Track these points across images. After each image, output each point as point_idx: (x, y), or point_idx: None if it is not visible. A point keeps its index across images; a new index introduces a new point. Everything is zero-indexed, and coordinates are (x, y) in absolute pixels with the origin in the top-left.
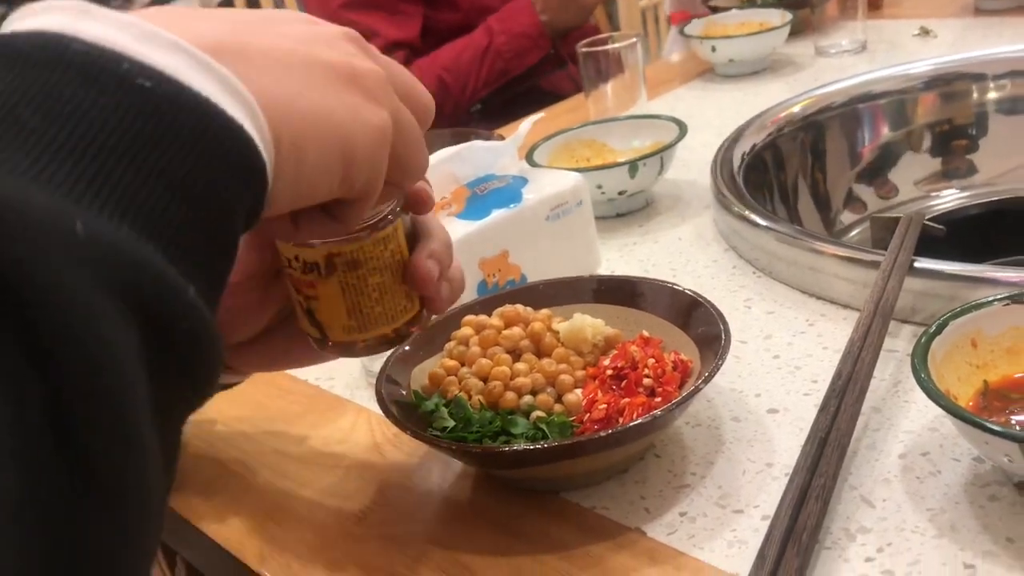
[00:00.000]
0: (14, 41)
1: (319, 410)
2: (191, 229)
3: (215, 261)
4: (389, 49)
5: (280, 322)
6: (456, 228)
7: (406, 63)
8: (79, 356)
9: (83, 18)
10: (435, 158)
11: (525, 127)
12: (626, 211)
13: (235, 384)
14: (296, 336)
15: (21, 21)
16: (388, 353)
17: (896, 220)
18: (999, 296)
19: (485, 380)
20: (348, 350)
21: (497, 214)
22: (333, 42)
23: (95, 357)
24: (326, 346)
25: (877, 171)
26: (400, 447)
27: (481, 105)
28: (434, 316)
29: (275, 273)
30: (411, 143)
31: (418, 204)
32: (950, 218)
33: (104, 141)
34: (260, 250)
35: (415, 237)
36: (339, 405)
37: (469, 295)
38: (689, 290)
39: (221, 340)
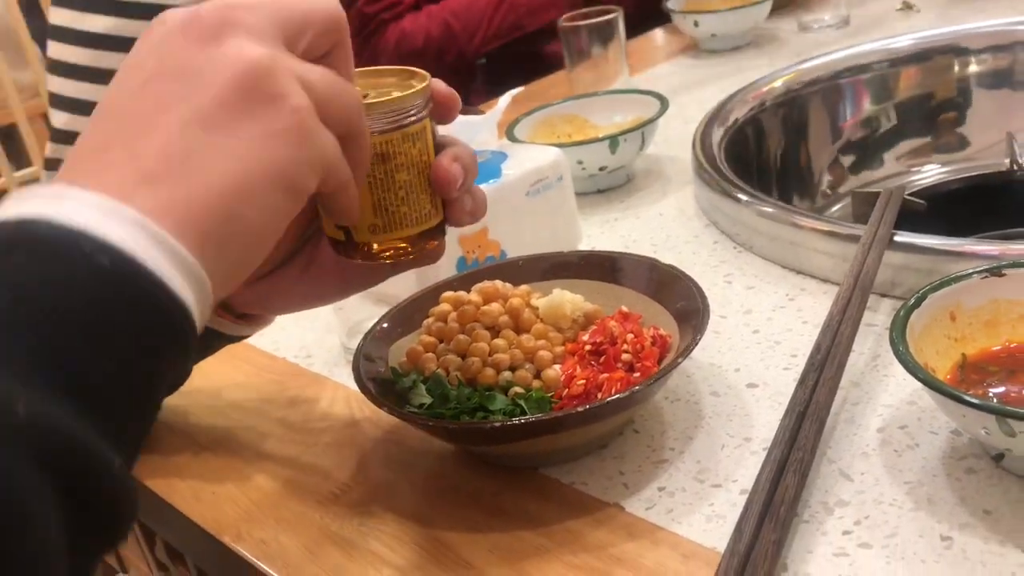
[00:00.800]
0: None
1: (297, 387)
2: (130, 405)
3: (144, 426)
4: None
5: (293, 257)
6: None
7: (416, 7)
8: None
9: (55, 202)
10: None
11: (504, 101)
12: (607, 187)
13: (247, 336)
14: (310, 272)
15: (8, 209)
16: (366, 329)
17: (877, 195)
18: (978, 269)
19: (463, 356)
20: (371, 256)
21: None
22: (208, 76)
23: (16, 529)
24: (351, 248)
25: (859, 146)
26: (378, 424)
27: (486, 59)
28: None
29: None
30: (337, 112)
31: (442, 108)
32: (931, 193)
33: (61, 317)
34: None
35: (440, 147)
36: (317, 382)
37: (448, 271)
38: (668, 265)
39: (137, 497)
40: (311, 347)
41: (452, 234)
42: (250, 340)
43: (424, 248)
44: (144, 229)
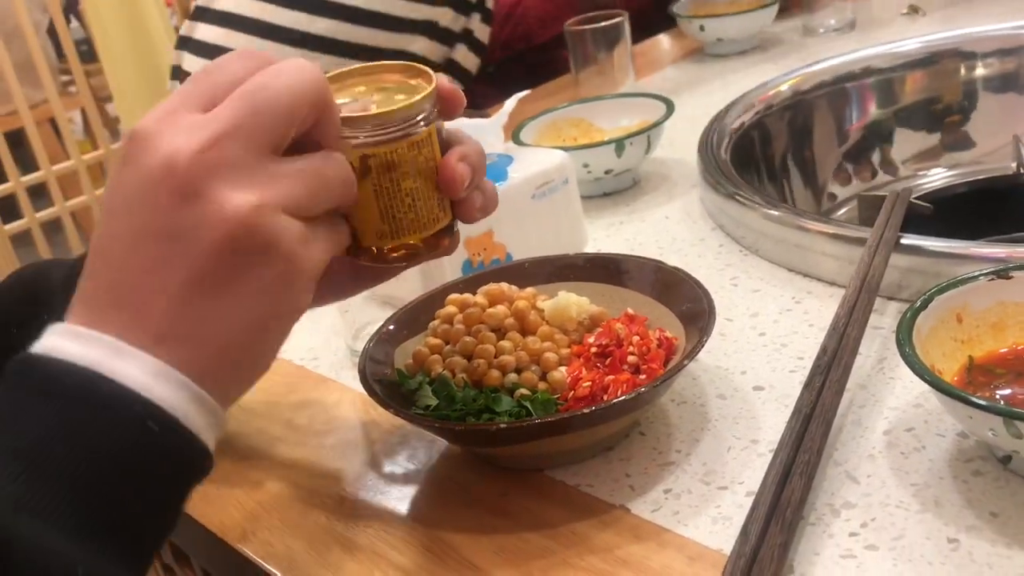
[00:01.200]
0: (55, 371)
1: (303, 389)
2: (157, 534)
3: (162, 541)
4: None
5: None
6: None
7: None
8: None
9: (114, 357)
10: None
11: (510, 104)
12: (613, 190)
13: None
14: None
15: (64, 339)
16: (372, 332)
17: (882, 198)
18: (984, 271)
19: (469, 358)
20: (379, 257)
21: None
22: (194, 240)
23: None
24: (359, 253)
25: (865, 150)
26: (384, 426)
27: (495, 68)
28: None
29: None
30: (327, 201)
31: (448, 105)
32: (937, 196)
33: (119, 478)
34: None
35: (447, 145)
36: (323, 384)
37: (454, 273)
38: (674, 267)
39: None
40: (317, 350)
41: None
42: None
43: (436, 246)
44: (187, 389)
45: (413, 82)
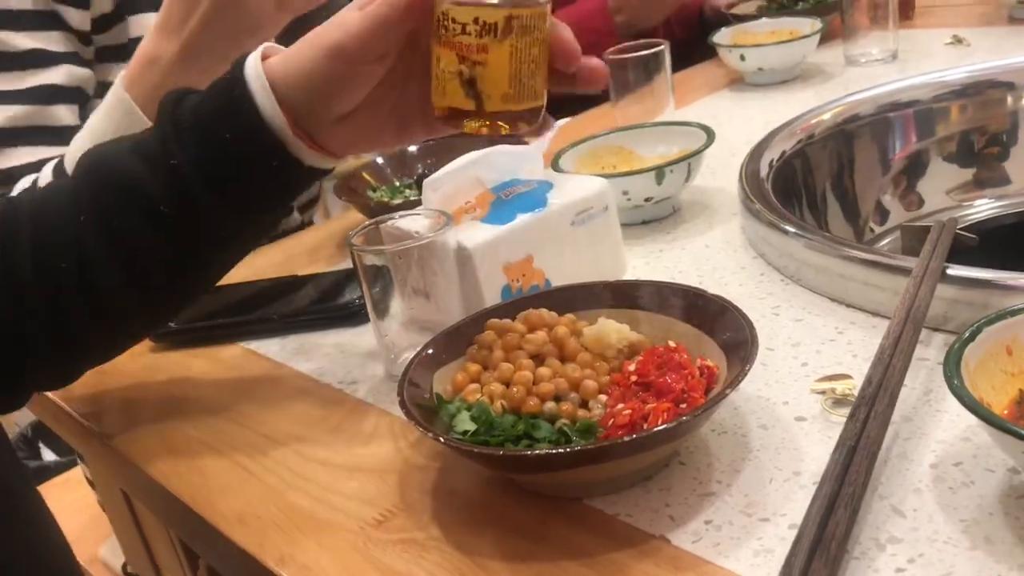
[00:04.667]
0: (235, 70)
1: (341, 414)
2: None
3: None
4: None
5: (371, 104)
6: (480, 232)
7: None
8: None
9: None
10: (460, 162)
11: (551, 132)
12: (652, 218)
13: (332, 169)
14: (383, 120)
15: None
16: (410, 357)
17: (927, 229)
18: None
19: (508, 385)
20: (496, 124)
21: (522, 218)
22: None
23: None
24: (478, 116)
25: (907, 180)
26: (421, 451)
27: None
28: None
29: (386, 49)
30: None
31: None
32: (982, 228)
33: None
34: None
35: None
36: (361, 409)
37: (493, 299)
38: (716, 295)
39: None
40: (355, 374)
41: (497, 262)
42: (295, 366)
43: (539, 120)
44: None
45: None
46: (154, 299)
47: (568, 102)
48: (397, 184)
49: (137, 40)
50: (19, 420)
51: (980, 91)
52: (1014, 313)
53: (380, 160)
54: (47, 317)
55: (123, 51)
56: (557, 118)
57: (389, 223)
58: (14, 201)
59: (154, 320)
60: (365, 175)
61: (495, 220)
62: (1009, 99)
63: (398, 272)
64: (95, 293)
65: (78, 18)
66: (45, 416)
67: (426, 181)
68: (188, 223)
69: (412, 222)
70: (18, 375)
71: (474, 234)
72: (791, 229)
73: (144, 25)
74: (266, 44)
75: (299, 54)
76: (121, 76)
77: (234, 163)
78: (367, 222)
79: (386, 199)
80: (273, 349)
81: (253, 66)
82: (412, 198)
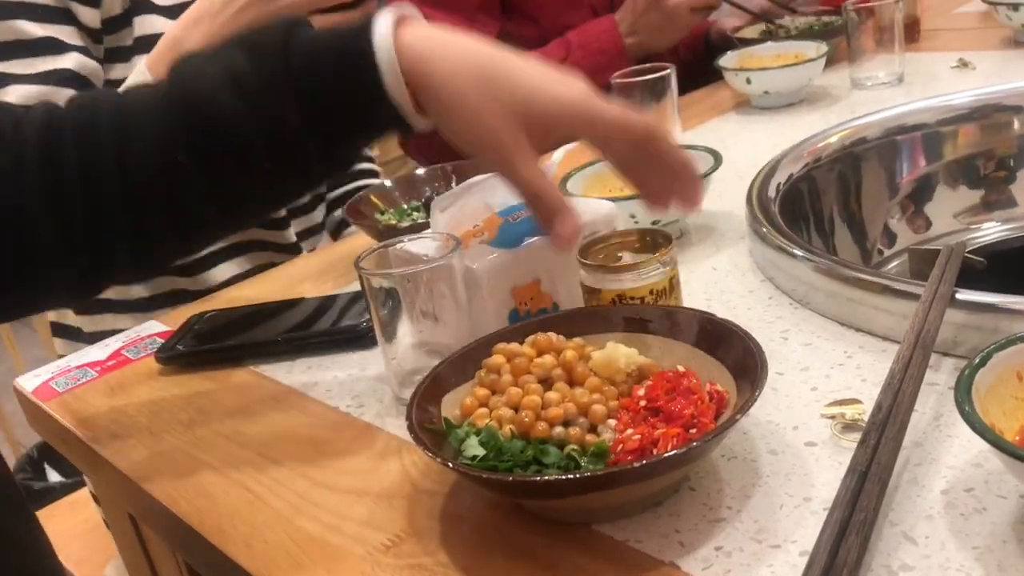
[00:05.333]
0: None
1: (349, 437)
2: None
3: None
4: None
5: None
6: (488, 256)
7: None
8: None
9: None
10: (467, 185)
11: (558, 156)
12: None
13: (418, 128)
14: None
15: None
16: (419, 380)
17: (935, 252)
18: None
19: (516, 409)
20: None
21: (530, 242)
22: None
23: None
24: None
25: (915, 203)
26: (430, 476)
27: None
28: None
29: None
30: None
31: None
32: (991, 251)
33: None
34: None
35: None
36: (369, 432)
37: (501, 323)
38: (724, 319)
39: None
40: (363, 397)
41: (505, 286)
42: (304, 389)
43: None
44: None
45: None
46: (228, 212)
47: None
48: (405, 207)
49: (142, 39)
50: (25, 441)
51: (986, 115)
52: (1022, 339)
53: (388, 183)
54: (126, 207)
55: (129, 52)
56: (565, 143)
57: (398, 246)
58: (95, 94)
59: (231, 224)
60: (373, 198)
61: (503, 244)
62: (1016, 123)
63: (406, 295)
64: (177, 203)
65: (89, 15)
66: (51, 438)
67: (434, 204)
68: (281, 167)
69: (421, 245)
70: (98, 262)
71: (482, 257)
72: (799, 253)
73: (150, 25)
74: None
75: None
76: (145, 58)
77: (345, 128)
78: (376, 245)
79: (394, 221)
80: (281, 372)
81: (386, 49)
82: (420, 221)
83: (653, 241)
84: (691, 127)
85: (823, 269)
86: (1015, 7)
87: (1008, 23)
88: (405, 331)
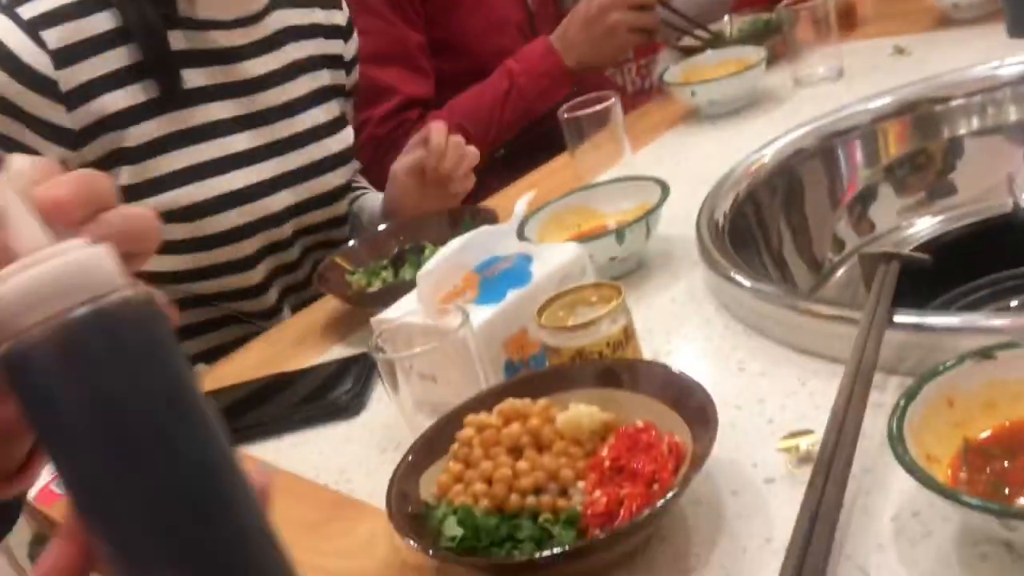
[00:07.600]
0: None
1: (338, 518)
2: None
3: None
4: (406, 106)
5: None
6: (478, 314)
7: (420, 119)
8: None
9: None
10: (448, 250)
11: (521, 208)
12: (620, 274)
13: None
14: None
15: None
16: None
17: (882, 256)
18: (970, 352)
19: (489, 483)
20: None
21: (512, 294)
22: None
23: None
24: None
25: (858, 206)
26: (418, 553)
27: (504, 150)
28: None
29: None
30: None
31: None
32: (936, 244)
33: None
34: None
35: None
36: (357, 509)
37: (497, 377)
38: (678, 371)
39: None
40: (350, 471)
41: (497, 339)
42: (291, 468)
43: None
44: None
45: None
46: None
47: (528, 152)
48: (372, 265)
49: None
50: (16, 540)
51: (917, 108)
52: (951, 367)
53: (352, 243)
54: None
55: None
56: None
57: (396, 324)
58: None
59: None
60: (339, 260)
61: (488, 300)
62: (947, 114)
63: (406, 360)
64: None
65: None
66: (44, 528)
67: (419, 275)
68: None
69: (419, 316)
70: None
71: (473, 317)
72: (747, 283)
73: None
74: None
75: None
76: None
77: None
78: (382, 326)
79: (364, 282)
80: (269, 453)
81: None
82: (389, 280)
83: (607, 293)
84: (643, 144)
85: (768, 298)
86: None
87: (940, 2)
88: (406, 392)
